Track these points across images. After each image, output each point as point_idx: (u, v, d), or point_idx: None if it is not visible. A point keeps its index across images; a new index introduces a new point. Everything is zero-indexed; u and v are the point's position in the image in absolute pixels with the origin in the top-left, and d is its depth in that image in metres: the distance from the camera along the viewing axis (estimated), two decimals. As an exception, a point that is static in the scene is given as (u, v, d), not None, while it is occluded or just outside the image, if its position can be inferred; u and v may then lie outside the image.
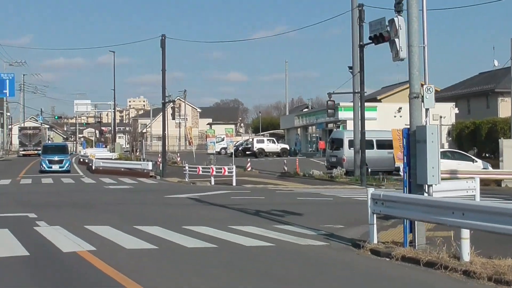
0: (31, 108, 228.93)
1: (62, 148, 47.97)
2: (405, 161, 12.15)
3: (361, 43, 31.86)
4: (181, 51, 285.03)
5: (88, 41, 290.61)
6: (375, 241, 12.31)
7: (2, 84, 61.12)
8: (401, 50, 13.01)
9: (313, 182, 34.59)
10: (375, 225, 12.46)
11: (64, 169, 43.55)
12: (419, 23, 11.80)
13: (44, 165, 43.41)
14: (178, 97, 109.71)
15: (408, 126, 12.34)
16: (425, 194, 11.64)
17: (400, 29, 13.02)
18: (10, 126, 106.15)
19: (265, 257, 11.65)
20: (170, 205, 21.35)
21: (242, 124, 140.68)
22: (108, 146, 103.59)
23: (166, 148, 43.82)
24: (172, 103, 40.58)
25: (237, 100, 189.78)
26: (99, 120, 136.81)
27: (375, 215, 12.41)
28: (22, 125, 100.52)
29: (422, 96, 11.91)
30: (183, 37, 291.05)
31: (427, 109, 12.14)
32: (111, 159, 55.49)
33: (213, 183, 33.42)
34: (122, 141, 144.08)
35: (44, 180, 35.80)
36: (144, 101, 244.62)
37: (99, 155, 55.44)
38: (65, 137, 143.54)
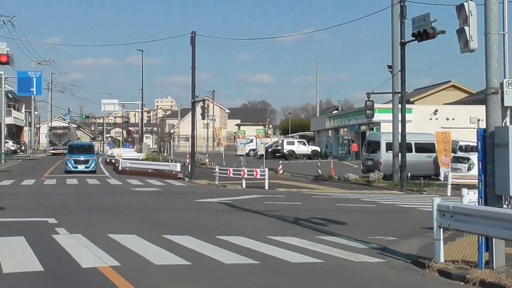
0: (59, 107, 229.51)
1: (88, 148, 46.46)
2: (480, 168, 10.41)
3: (402, 40, 30.07)
4: (209, 53, 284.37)
5: (116, 41, 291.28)
6: (442, 259, 10.59)
7: (29, 82, 60.07)
8: (472, 40, 11.28)
9: (349, 186, 32.90)
10: (441, 241, 10.73)
11: (90, 169, 42.30)
12: (498, 6, 10.12)
13: (69, 165, 42.25)
14: (207, 97, 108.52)
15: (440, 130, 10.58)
16: (504, 207, 9.94)
17: (471, 15, 11.29)
18: (38, 125, 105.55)
19: (316, 277, 10.01)
20: (201, 211, 19.76)
21: (270, 126, 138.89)
22: (135, 146, 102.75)
23: (195, 149, 42.46)
24: (201, 102, 38.84)
25: (265, 101, 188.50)
26: (127, 120, 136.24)
27: (441, 229, 10.70)
28: (50, 124, 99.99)
29: (502, 92, 10.17)
30: (212, 38, 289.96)
31: (507, 107, 10.38)
32: (138, 159, 54.26)
33: (244, 186, 31.87)
34: (149, 141, 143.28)
35: (69, 181, 34.49)
36: (171, 102, 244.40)
37: (126, 155, 54.20)
38: (92, 136, 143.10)
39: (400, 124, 31.26)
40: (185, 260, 10.85)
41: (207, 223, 16.60)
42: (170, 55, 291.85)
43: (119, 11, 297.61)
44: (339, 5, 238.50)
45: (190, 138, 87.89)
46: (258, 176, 31.90)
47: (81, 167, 42.06)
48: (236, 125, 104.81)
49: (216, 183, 33.55)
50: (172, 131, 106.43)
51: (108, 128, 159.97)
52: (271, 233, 14.60)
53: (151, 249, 12.02)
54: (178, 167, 38.06)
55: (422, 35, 27.28)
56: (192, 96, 39.52)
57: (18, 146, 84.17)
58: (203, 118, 40.36)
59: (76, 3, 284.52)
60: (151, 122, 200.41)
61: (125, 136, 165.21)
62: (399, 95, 31.47)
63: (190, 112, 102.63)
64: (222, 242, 13.03)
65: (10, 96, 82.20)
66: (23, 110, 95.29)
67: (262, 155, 64.15)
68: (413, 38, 28.15)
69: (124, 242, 12.59)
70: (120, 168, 43.03)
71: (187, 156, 51.66)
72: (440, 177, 34.00)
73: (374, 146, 37.32)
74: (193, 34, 38.83)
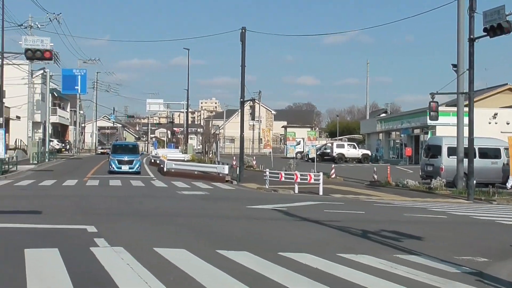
0: (104, 106, 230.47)
1: (133, 148, 45.11)
2: None
3: (471, 36, 27.75)
4: (253, 55, 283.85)
5: (162, 43, 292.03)
6: None
7: (73, 80, 59.17)
8: None
9: (409, 193, 30.69)
10: None
11: (134, 170, 41.03)
12: None
13: (113, 166, 41.13)
14: (252, 98, 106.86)
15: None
16: None
17: None
18: (83, 125, 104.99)
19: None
20: (256, 220, 17.80)
21: (316, 128, 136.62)
22: (179, 147, 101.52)
23: (248, 150, 40.63)
24: (250, 102, 36.97)
25: (310, 103, 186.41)
26: (171, 120, 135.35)
27: None
28: (95, 123, 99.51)
29: None
30: (257, 42, 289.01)
31: None
32: (183, 160, 52.69)
33: (297, 191, 29.93)
34: (193, 142, 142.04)
35: (112, 182, 32.95)
36: (216, 103, 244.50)
37: (171, 156, 52.71)
38: (137, 137, 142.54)
39: (466, 127, 28.97)
40: (245, 285, 8.95)
41: (265, 235, 14.66)
42: (215, 57, 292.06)
43: (164, 11, 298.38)
44: (384, 7, 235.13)
45: (238, 139, 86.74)
46: (312, 181, 29.91)
47: (125, 168, 40.89)
48: (282, 127, 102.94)
49: (267, 187, 31.65)
50: (217, 132, 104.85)
51: (153, 128, 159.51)
52: (340, 249, 12.64)
53: (204, 269, 10.12)
54: (226, 169, 36.25)
55: (496, 29, 25.01)
56: (242, 95, 37.69)
57: (63, 145, 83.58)
58: (252, 119, 38.49)
59: (122, 4, 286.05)
60: (195, 123, 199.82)
61: (169, 136, 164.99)
62: (464, 95, 29.23)
63: (236, 113, 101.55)
64: (286, 261, 11.10)
65: (56, 95, 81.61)
66: (68, 109, 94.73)
67: (312, 158, 62.54)
68: (485, 34, 25.88)
69: (172, 259, 10.71)
70: (165, 169, 41.38)
71: (234, 158, 49.97)
72: (507, 185, 31.64)
73: (434, 151, 34.99)
74: (243, 30, 37.05)
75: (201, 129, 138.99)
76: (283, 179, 31.14)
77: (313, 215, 19.14)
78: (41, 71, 67.17)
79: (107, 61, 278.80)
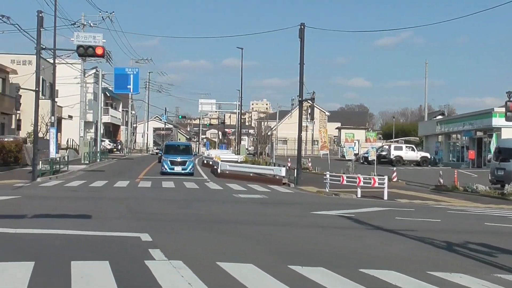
0: (155, 107, 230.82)
1: (186, 148, 44.01)
2: None
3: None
4: (305, 57, 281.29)
5: (214, 44, 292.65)
6: None
7: (126, 79, 58.31)
8: None
9: (480, 199, 28.62)
10: None
11: (187, 171, 39.91)
12: None
13: (165, 166, 40.07)
14: (312, 97, 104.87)
15: None
16: None
17: None
18: (134, 125, 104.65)
19: None
20: (323, 228, 16.13)
21: (370, 130, 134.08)
22: (231, 148, 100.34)
23: (295, 152, 38.98)
24: (310, 101, 35.22)
25: (363, 105, 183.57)
26: (223, 121, 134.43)
27: None
28: (147, 124, 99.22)
29: None
30: (308, 44, 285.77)
31: None
32: (236, 162, 51.31)
33: (359, 195, 28.17)
34: (244, 143, 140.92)
35: (165, 184, 31.68)
36: (267, 104, 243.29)
37: (224, 157, 51.39)
38: (188, 137, 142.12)
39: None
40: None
41: (339, 247, 13.00)
42: (265, 58, 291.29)
43: (218, 12, 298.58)
44: (437, 7, 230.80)
45: (291, 141, 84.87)
46: (376, 185, 28.12)
47: (177, 169, 39.75)
48: (336, 128, 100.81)
49: (327, 190, 29.96)
50: (269, 133, 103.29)
51: (204, 129, 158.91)
52: (428, 265, 10.95)
53: (279, 290, 8.58)
54: (283, 171, 34.67)
55: None
56: (300, 93, 36.04)
57: (115, 145, 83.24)
58: (311, 119, 36.80)
59: (180, 7, 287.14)
60: (246, 124, 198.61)
61: (220, 137, 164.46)
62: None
63: (289, 115, 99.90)
64: (370, 280, 9.47)
65: (108, 94, 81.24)
66: (120, 109, 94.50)
67: (369, 161, 60.58)
68: None
69: (241, 277, 9.15)
70: (219, 170, 39.94)
71: (288, 159, 48.45)
72: None
73: (506, 154, 32.77)
74: (302, 26, 35.38)
75: (252, 130, 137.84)
76: (345, 182, 29.43)
77: (385, 223, 17.42)
78: (94, 70, 66.59)
79: (158, 62, 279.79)
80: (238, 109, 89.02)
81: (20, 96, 32.99)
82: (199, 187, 30.43)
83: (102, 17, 58.80)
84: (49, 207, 18.72)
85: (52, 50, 40.50)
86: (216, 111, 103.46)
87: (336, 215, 19.41)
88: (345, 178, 29.66)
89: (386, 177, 28.38)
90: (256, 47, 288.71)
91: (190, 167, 40.33)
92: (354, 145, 57.89)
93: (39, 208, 18.10)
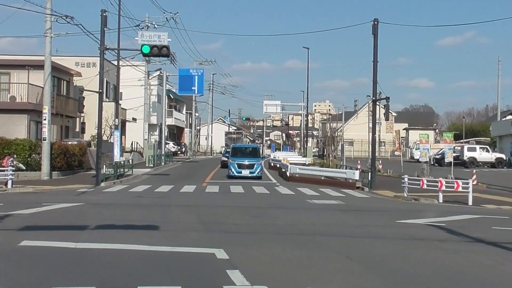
0: (219, 108, 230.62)
1: (254, 151, 42.23)
2: None
3: None
4: (367, 58, 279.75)
5: (276, 46, 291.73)
6: None
7: (190, 81, 57.23)
8: None
9: None
10: None
11: (255, 175, 38.26)
12: None
13: (232, 170, 38.40)
14: (386, 96, 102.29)
15: None
16: None
17: None
18: (198, 127, 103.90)
19: None
20: (417, 241, 14.22)
21: (437, 131, 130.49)
22: (295, 150, 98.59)
23: (362, 154, 37.05)
24: (385, 100, 33.18)
25: (427, 105, 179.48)
26: (287, 122, 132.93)
27: None
28: (211, 126, 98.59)
29: None
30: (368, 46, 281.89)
31: None
32: (304, 164, 49.61)
33: (441, 200, 26.09)
34: (309, 145, 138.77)
35: (233, 188, 30.20)
36: (329, 105, 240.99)
37: (291, 159, 49.67)
38: (251, 139, 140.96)
39: None
40: None
41: (451, 267, 11.02)
42: (327, 59, 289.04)
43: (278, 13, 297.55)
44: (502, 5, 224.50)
45: (358, 142, 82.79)
46: (460, 189, 26.04)
47: (245, 172, 38.13)
48: (404, 129, 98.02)
49: (405, 195, 27.96)
50: (335, 134, 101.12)
51: (267, 131, 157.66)
52: None
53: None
54: (356, 175, 32.78)
55: None
56: (373, 93, 34.06)
57: (179, 147, 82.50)
58: (387, 119, 34.78)
59: (233, 12, 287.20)
60: (309, 125, 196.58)
61: (284, 139, 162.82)
62: None
63: (355, 116, 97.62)
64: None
65: (172, 97, 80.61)
66: (184, 111, 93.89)
67: (440, 162, 58.23)
68: None
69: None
70: (288, 174, 38.12)
71: (358, 161, 46.53)
72: None
73: None
74: (376, 22, 33.48)
75: (316, 132, 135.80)
76: (425, 186, 27.40)
77: (483, 234, 15.48)
78: (158, 72, 65.85)
79: (220, 65, 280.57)
80: (304, 110, 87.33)
81: (84, 98, 32.02)
82: (269, 192, 28.83)
83: (166, 18, 57.62)
84: (113, 216, 17.44)
85: (116, 51, 39.57)
86: (280, 113, 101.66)
87: (424, 224, 17.54)
88: (425, 182, 27.60)
89: (470, 181, 26.25)
90: (317, 49, 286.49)
91: (258, 170, 38.68)
92: (415, 147, 55.43)
93: (102, 218, 16.81)
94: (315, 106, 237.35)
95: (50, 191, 27.42)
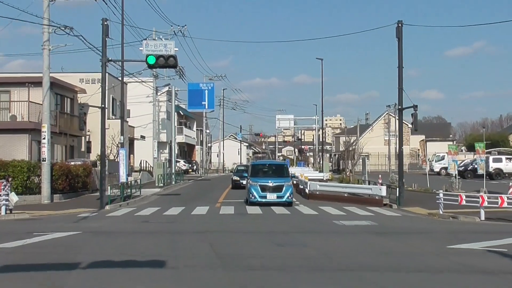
0: (231, 125, 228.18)
1: (280, 169, 32.43)
2: None
3: None
4: (376, 70, 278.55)
5: (285, 64, 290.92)
6: None
7: (200, 95, 54.60)
8: None
9: None
10: None
11: (284, 200, 29.47)
12: None
13: (254, 194, 29.58)
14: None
15: None
16: None
17: None
18: (209, 144, 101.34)
19: None
20: (487, 275, 11.45)
21: (454, 142, 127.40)
22: (309, 165, 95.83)
23: (379, 167, 34.25)
24: (413, 109, 30.30)
25: (440, 117, 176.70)
26: (299, 137, 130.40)
27: None
28: (222, 142, 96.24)
29: None
30: (379, 60, 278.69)
31: None
32: (322, 180, 46.87)
33: (483, 217, 23.28)
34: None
35: (250, 209, 27.47)
36: (340, 119, 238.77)
37: (308, 175, 46.92)
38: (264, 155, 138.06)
39: None
40: None
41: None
42: (335, 74, 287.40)
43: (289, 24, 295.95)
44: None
45: (373, 156, 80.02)
46: (505, 205, 23.24)
47: (271, 197, 29.51)
48: (421, 141, 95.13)
49: (441, 212, 25.16)
50: (355, 147, 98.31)
51: (279, 146, 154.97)
52: None
53: None
54: (383, 191, 29.98)
55: None
56: (399, 101, 31.24)
57: (190, 165, 79.95)
58: (415, 129, 31.91)
59: (242, 26, 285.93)
60: (320, 140, 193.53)
61: (296, 154, 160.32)
62: None
63: (370, 129, 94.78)
64: None
65: (181, 113, 78.17)
66: (194, 128, 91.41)
67: (467, 175, 55.41)
68: None
69: None
70: (308, 191, 35.27)
71: (379, 176, 43.77)
72: None
73: None
74: (400, 24, 30.84)
75: (329, 146, 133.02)
76: (463, 202, 24.59)
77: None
78: (166, 88, 63.33)
79: (229, 81, 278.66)
80: (317, 124, 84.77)
81: (85, 114, 29.54)
82: (290, 212, 26.06)
83: (174, 31, 55.17)
84: (113, 247, 14.78)
85: (120, 64, 37.15)
86: (293, 127, 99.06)
87: (482, 250, 14.76)
88: (463, 197, 24.79)
89: (517, 195, 23.47)
90: (326, 63, 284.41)
91: (288, 194, 29.70)
92: (435, 159, 52.39)
93: (99, 251, 14.16)
94: (326, 120, 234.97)
95: (48, 217, 24.86)
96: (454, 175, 37.53)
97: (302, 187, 38.26)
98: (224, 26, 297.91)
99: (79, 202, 31.26)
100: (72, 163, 37.38)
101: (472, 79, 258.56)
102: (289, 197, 29.75)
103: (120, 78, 46.65)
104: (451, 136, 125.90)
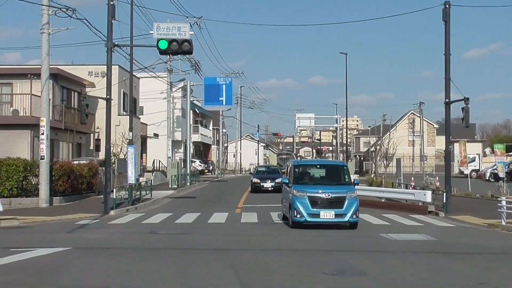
0: (248, 124, 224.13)
1: (337, 172, 21.92)
2: None
3: None
4: (387, 71, 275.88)
5: (299, 65, 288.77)
6: None
7: (217, 90, 50.85)
8: None
9: None
10: None
11: (347, 219, 19.76)
12: None
13: (300, 211, 19.52)
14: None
15: None
16: None
17: None
18: (225, 144, 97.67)
19: None
20: None
21: (482, 143, 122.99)
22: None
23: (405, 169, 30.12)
24: (463, 102, 26.39)
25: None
26: (319, 138, 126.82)
27: None
28: (239, 142, 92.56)
29: None
30: (396, 59, 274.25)
31: None
32: (351, 183, 42.84)
33: (558, 230, 19.43)
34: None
35: (276, 216, 23.69)
36: (357, 121, 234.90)
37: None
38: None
39: None
40: None
41: None
42: (351, 75, 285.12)
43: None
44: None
45: (398, 156, 76.19)
46: None
47: (327, 215, 19.62)
48: (459, 141, 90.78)
49: (503, 223, 21.24)
50: (372, 149, 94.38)
51: (296, 147, 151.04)
52: None
53: None
54: (428, 196, 26.13)
55: None
56: (446, 93, 27.32)
57: (206, 166, 76.19)
58: (467, 126, 27.90)
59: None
60: (339, 141, 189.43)
61: (315, 155, 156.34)
62: None
63: (393, 129, 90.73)
64: None
65: (197, 111, 74.52)
66: (210, 127, 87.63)
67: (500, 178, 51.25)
68: None
69: None
70: (339, 196, 31.18)
71: (412, 179, 40.00)
72: None
73: None
74: (447, 6, 26.95)
75: (350, 148, 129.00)
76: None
77: None
78: (181, 83, 59.60)
79: (246, 79, 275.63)
80: (338, 123, 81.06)
81: (87, 105, 25.89)
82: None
83: (190, 23, 51.39)
84: (103, 276, 11.04)
85: (128, 47, 33.50)
86: (313, 126, 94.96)
87: None
88: (531, 205, 20.88)
89: None
90: (340, 64, 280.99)
91: (352, 211, 19.82)
92: (470, 160, 48.20)
93: (82, 282, 10.46)
94: (342, 121, 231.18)
95: (41, 224, 21.23)
96: (502, 178, 33.50)
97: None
98: (241, 25, 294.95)
99: (81, 206, 27.64)
100: (76, 162, 33.77)
101: (489, 81, 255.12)
102: (354, 216, 19.84)
103: (134, 73, 43.17)
104: (476, 137, 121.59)
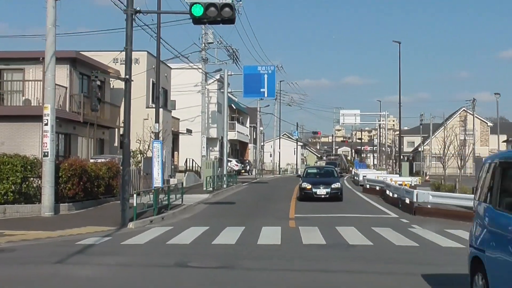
0: (286, 121, 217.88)
1: None
2: None
3: None
4: (425, 71, 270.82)
5: (334, 65, 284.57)
6: None
7: (258, 81, 45.10)
8: None
9: None
10: None
11: None
12: None
13: None
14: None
15: None
16: None
17: None
18: (262, 144, 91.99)
19: None
20: None
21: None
22: (371, 167, 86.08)
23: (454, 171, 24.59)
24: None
25: (503, 118, 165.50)
26: (360, 138, 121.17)
27: None
28: (279, 140, 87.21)
29: None
30: (426, 59, 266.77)
31: None
32: (411, 186, 36.89)
33: None
34: (369, 161, 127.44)
35: (344, 231, 17.84)
36: (393, 121, 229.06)
37: (395, 179, 37.24)
38: (319, 156, 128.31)
39: None
40: None
41: None
42: (387, 75, 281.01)
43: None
44: None
45: (446, 156, 69.68)
46: None
47: None
48: (503, 141, 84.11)
49: None
50: (421, 149, 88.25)
51: (335, 147, 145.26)
52: None
53: None
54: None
55: None
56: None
57: (242, 165, 70.77)
58: None
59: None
60: (380, 141, 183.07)
61: (353, 155, 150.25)
62: None
63: (442, 128, 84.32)
64: None
65: (234, 107, 69.00)
66: (247, 124, 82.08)
67: None
68: None
69: None
70: (414, 203, 24.92)
71: (456, 180, 34.06)
72: None
73: None
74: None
75: (387, 148, 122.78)
76: None
77: None
78: (217, 75, 54.06)
79: (286, 74, 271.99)
80: (385, 119, 75.17)
81: (99, 87, 20.39)
82: (418, 244, 16.03)
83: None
84: None
85: (156, 13, 27.95)
86: (359, 123, 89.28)
87: None
88: None
89: None
90: (374, 65, 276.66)
91: None
92: None
93: None
94: (379, 121, 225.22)
95: (31, 244, 15.59)
96: None
97: (396, 195, 28.46)
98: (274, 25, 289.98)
99: (95, 215, 22.15)
100: (92, 160, 28.34)
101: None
102: None
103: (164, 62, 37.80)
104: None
